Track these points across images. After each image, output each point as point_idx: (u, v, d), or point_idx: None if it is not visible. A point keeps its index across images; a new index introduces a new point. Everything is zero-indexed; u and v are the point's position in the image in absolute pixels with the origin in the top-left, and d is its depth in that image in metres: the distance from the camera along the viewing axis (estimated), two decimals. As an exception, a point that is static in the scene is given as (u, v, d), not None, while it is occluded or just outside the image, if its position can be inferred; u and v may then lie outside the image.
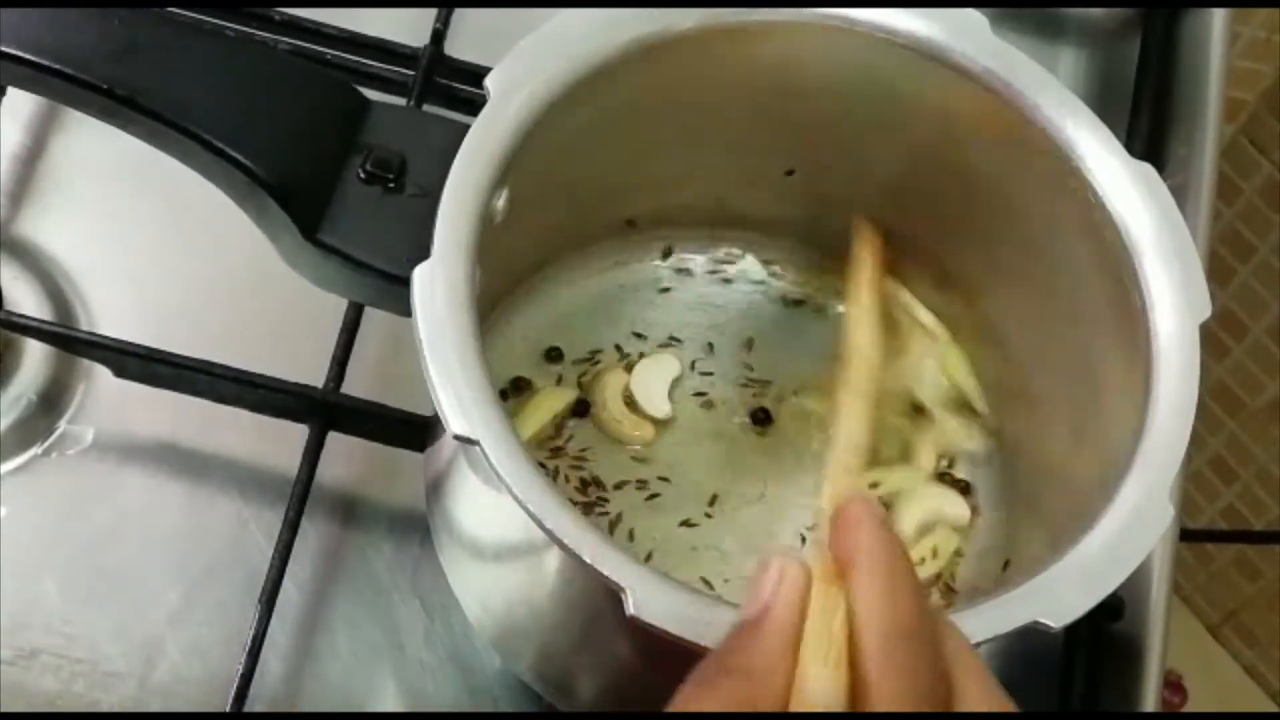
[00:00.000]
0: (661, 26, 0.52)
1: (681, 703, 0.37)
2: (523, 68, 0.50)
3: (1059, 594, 0.45)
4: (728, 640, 0.39)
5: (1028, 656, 0.62)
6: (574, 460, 0.57)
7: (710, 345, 0.60)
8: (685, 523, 0.56)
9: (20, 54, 0.48)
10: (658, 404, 0.58)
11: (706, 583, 0.55)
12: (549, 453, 0.57)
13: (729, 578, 0.55)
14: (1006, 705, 0.39)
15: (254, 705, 0.57)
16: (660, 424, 0.58)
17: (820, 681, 0.37)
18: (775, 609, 0.38)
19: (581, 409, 0.58)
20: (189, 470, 0.62)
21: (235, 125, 0.49)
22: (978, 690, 0.38)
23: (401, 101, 0.66)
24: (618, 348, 0.60)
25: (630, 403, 0.58)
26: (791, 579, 0.39)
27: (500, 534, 0.52)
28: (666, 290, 0.61)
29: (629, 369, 0.59)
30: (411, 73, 0.67)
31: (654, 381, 0.59)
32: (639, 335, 0.60)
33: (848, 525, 0.39)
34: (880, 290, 0.54)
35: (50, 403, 0.62)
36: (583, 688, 0.54)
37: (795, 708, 0.37)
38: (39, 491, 0.61)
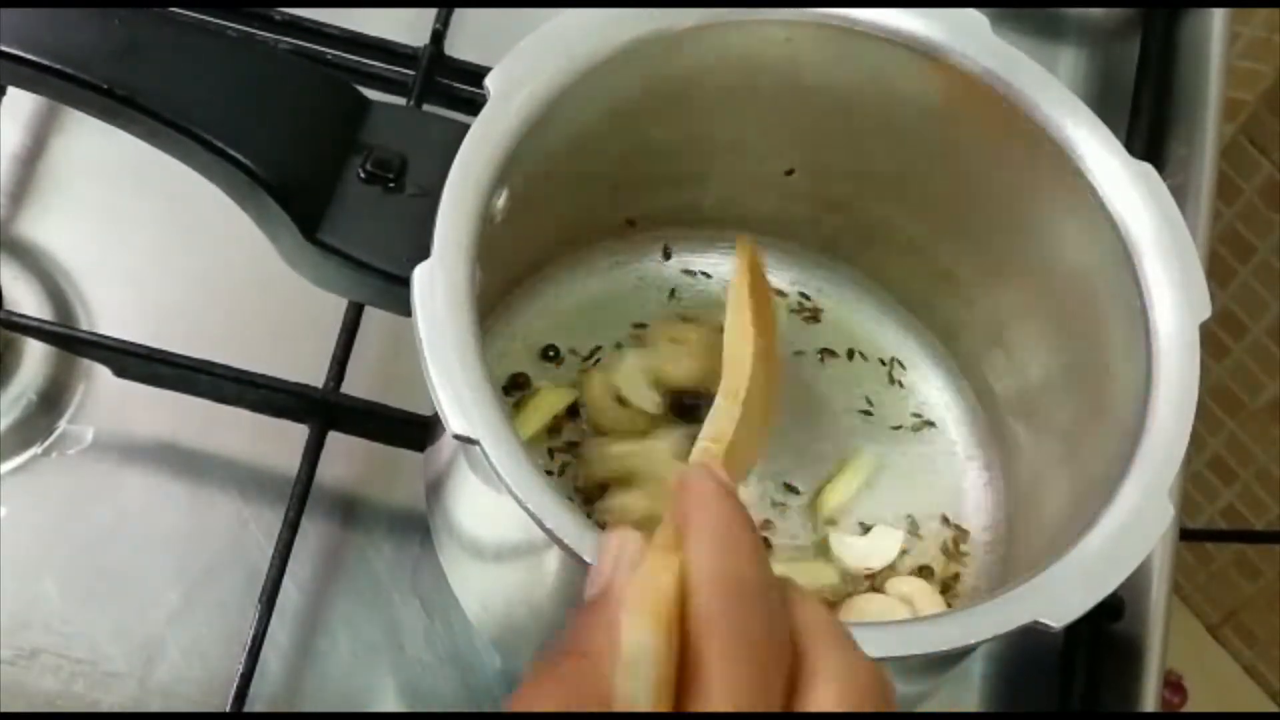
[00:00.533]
0: (661, 26, 0.52)
1: (524, 691, 0.36)
2: (523, 68, 0.50)
3: (1059, 594, 0.45)
4: (570, 622, 0.37)
5: (1028, 656, 0.62)
6: (570, 458, 0.57)
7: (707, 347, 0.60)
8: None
9: (20, 53, 0.48)
10: (645, 398, 0.58)
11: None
12: (547, 452, 0.57)
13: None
14: (874, 678, 0.36)
15: (254, 705, 0.57)
16: (655, 419, 0.58)
17: (637, 632, 0.34)
18: (613, 583, 0.37)
19: (575, 409, 0.58)
20: (189, 470, 0.62)
21: (235, 125, 0.49)
22: (837, 659, 0.36)
23: (401, 101, 0.66)
24: (618, 346, 0.60)
25: (620, 399, 0.58)
26: (629, 552, 0.37)
27: (500, 533, 0.52)
28: (666, 290, 0.61)
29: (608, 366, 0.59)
30: (411, 73, 0.67)
31: (639, 375, 0.58)
32: (639, 335, 0.60)
33: (686, 492, 0.38)
34: (760, 298, 0.54)
35: (50, 403, 0.62)
36: (582, 688, 0.54)
37: (611, 662, 0.34)
38: (39, 491, 0.61)
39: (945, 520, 0.58)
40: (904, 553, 0.57)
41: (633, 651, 0.34)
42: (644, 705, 0.34)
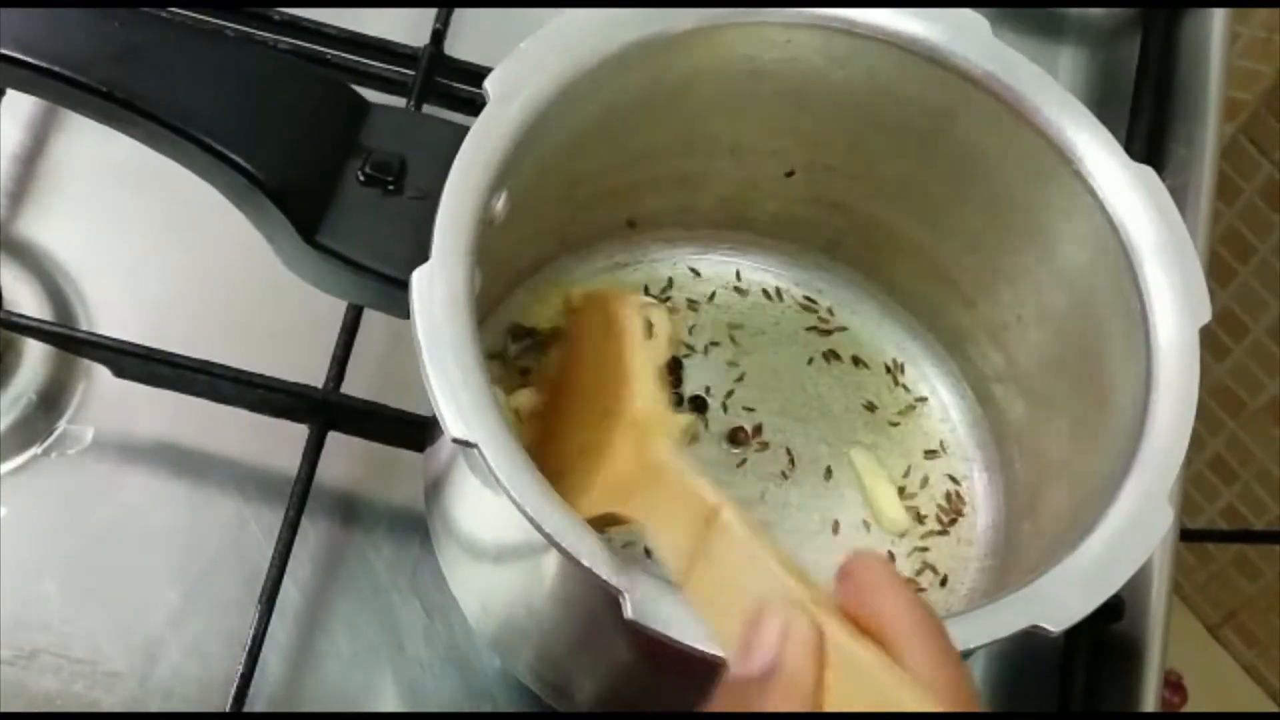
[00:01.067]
0: (661, 27, 0.52)
1: None
2: (522, 69, 0.50)
3: (1059, 598, 0.45)
4: (725, 701, 0.35)
5: (1028, 657, 0.62)
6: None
7: (706, 348, 0.60)
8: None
9: (19, 56, 0.48)
10: None
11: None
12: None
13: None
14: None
15: (254, 705, 0.57)
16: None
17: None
18: (786, 666, 0.35)
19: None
20: (189, 470, 0.62)
21: (234, 128, 0.49)
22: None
23: (401, 102, 0.66)
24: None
25: None
26: (800, 634, 0.35)
27: (499, 535, 0.52)
28: (665, 290, 0.61)
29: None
30: (411, 73, 0.67)
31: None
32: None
33: (871, 587, 0.36)
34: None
35: (50, 402, 0.62)
36: (581, 689, 0.54)
37: None
38: (39, 491, 0.61)
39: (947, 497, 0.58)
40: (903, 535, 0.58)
41: None
42: None
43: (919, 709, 0.34)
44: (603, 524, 0.45)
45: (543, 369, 0.56)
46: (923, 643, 0.35)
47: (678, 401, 0.58)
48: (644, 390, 0.48)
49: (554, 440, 0.51)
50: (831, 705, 0.34)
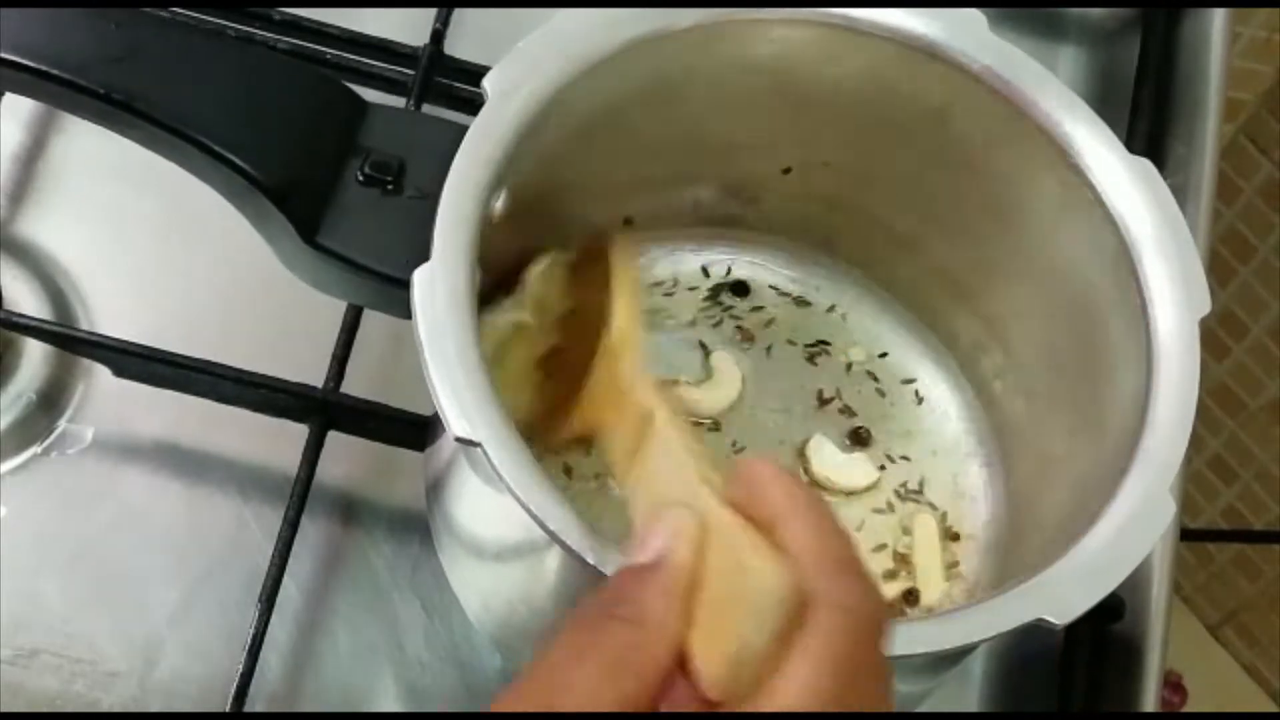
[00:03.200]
0: (660, 26, 0.52)
1: (564, 649, 0.36)
2: (521, 69, 0.50)
3: (1061, 592, 0.45)
4: (612, 586, 0.38)
5: (1028, 656, 0.62)
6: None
7: (702, 345, 0.60)
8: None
9: (16, 59, 0.48)
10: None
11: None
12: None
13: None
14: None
15: (254, 705, 0.57)
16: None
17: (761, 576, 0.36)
18: (670, 558, 0.37)
19: None
20: (189, 470, 0.62)
21: (233, 129, 0.49)
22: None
23: (401, 101, 0.66)
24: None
25: None
26: (687, 530, 0.38)
27: (501, 533, 0.52)
28: (665, 289, 0.61)
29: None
30: (411, 72, 0.67)
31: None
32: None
33: (760, 481, 0.39)
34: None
35: (50, 402, 0.62)
36: (583, 687, 0.54)
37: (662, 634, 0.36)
38: (39, 491, 0.61)
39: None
40: (906, 532, 0.58)
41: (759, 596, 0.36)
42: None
43: (768, 575, 0.36)
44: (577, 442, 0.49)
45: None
46: (802, 520, 0.37)
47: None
48: (620, 321, 0.51)
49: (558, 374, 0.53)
50: (705, 590, 0.37)
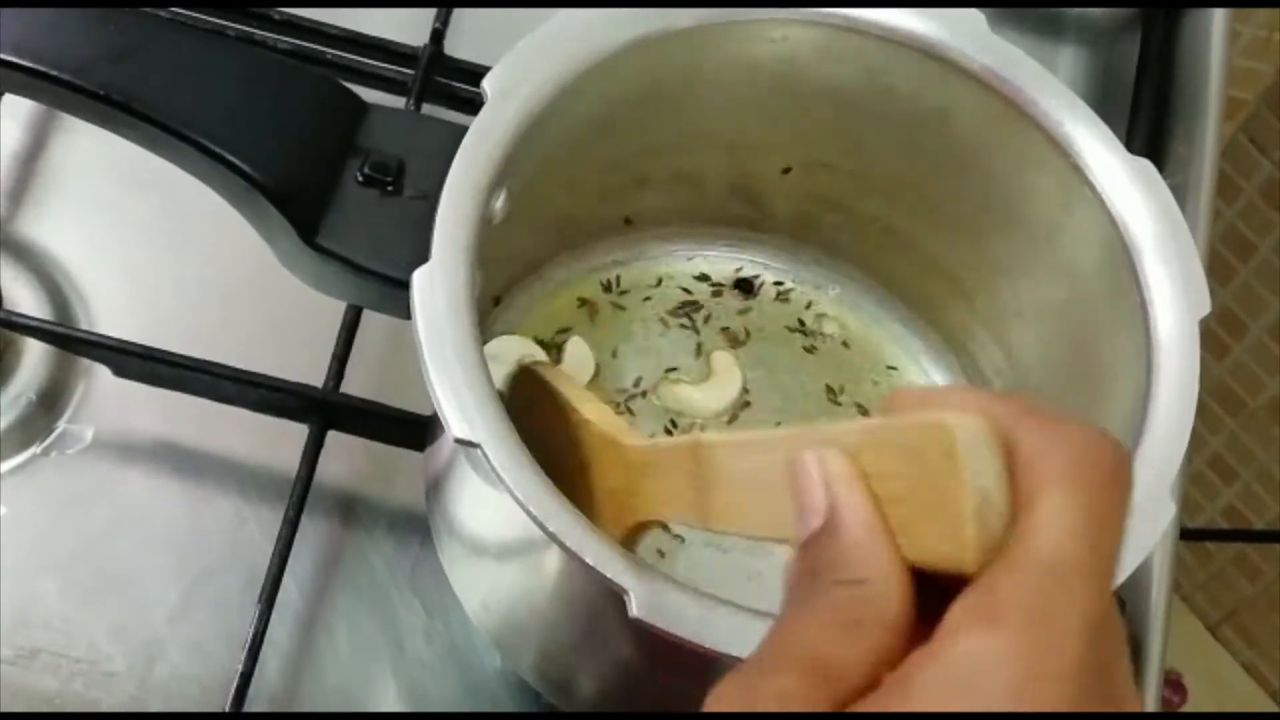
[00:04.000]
0: (660, 26, 0.52)
1: (787, 627, 0.33)
2: (520, 68, 0.50)
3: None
4: (805, 557, 0.34)
5: (1027, 656, 0.62)
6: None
7: (702, 345, 0.60)
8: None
9: (16, 59, 0.48)
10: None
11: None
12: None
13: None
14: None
15: (254, 705, 0.57)
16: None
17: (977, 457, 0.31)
18: (840, 503, 0.33)
19: None
20: (189, 470, 0.62)
21: (233, 130, 0.49)
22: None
23: (401, 101, 0.66)
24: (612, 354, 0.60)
25: None
26: (831, 470, 0.34)
27: (501, 533, 0.52)
28: (665, 289, 0.61)
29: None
30: (411, 72, 0.67)
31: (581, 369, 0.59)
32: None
33: (914, 402, 0.35)
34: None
35: (50, 402, 0.63)
36: (584, 687, 0.54)
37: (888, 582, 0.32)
38: (39, 491, 0.61)
39: None
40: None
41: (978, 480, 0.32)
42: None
43: (955, 428, 0.32)
44: (631, 535, 0.47)
45: None
46: (961, 394, 0.34)
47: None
48: (589, 411, 0.49)
49: None
50: (899, 502, 0.33)
